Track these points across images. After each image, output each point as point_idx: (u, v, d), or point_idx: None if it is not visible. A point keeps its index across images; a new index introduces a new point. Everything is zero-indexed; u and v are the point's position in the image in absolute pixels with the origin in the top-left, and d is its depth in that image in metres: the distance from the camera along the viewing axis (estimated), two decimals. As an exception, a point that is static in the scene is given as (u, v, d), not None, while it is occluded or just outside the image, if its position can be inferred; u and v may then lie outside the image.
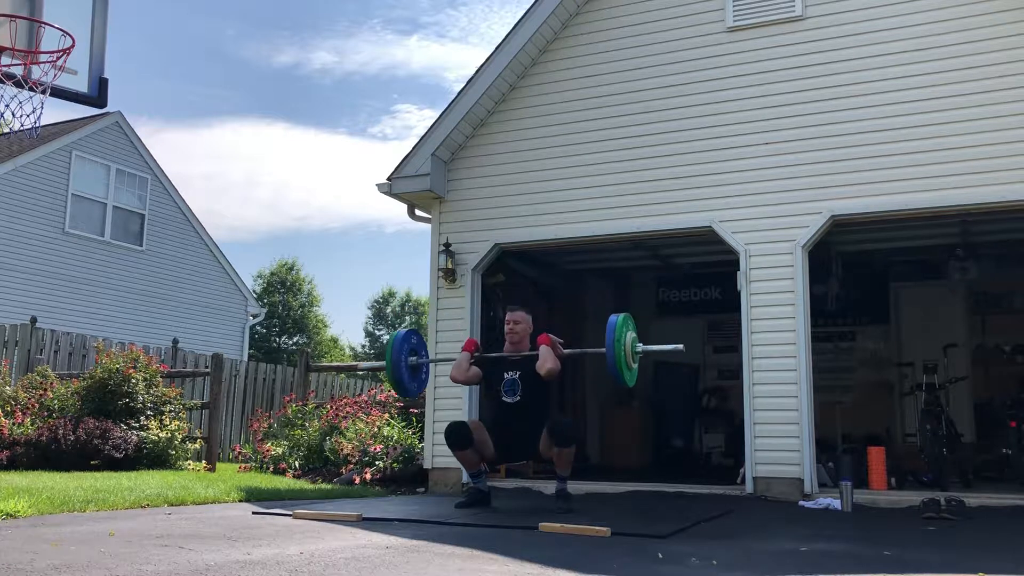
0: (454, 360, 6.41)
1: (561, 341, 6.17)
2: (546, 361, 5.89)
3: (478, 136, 8.86)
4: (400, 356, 6.32)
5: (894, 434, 10.68)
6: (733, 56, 7.94)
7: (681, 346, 6.27)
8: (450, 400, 8.42)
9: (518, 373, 6.10)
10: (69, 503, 5.59)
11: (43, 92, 4.93)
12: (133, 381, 9.87)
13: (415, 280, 65.53)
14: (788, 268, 7.49)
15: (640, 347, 6.04)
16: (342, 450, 9.21)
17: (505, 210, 8.64)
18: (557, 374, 5.97)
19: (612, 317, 5.88)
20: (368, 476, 8.60)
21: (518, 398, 6.08)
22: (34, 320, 12.43)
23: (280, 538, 4.43)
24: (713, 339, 12.27)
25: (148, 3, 57.42)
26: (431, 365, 8.62)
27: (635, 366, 6.05)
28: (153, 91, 66.23)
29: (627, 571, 3.69)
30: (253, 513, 5.69)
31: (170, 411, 10.14)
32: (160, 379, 10.35)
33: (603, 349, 5.81)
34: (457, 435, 6.02)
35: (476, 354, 6.33)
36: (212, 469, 9.77)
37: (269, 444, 10.18)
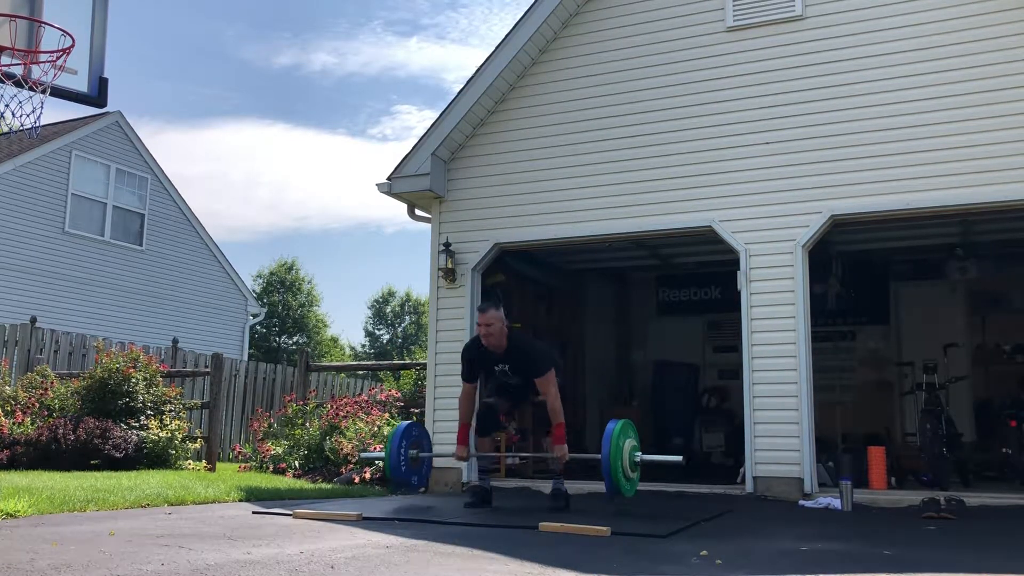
0: (451, 453, 6.58)
1: (563, 456, 6.14)
2: (562, 458, 6.11)
3: (478, 136, 8.86)
4: (399, 449, 6.40)
5: (894, 434, 10.67)
6: (733, 56, 7.94)
7: (680, 458, 6.17)
8: (450, 400, 8.41)
9: (507, 365, 6.28)
10: (69, 503, 5.59)
11: (43, 92, 4.93)
12: (133, 381, 9.87)
13: (415, 280, 65.52)
14: (788, 268, 7.48)
15: (639, 456, 5.97)
16: (342, 450, 9.21)
17: (505, 210, 8.64)
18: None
19: (609, 425, 5.86)
20: (368, 476, 8.60)
21: (514, 380, 6.31)
22: (34, 320, 12.43)
23: (280, 538, 4.43)
24: (713, 339, 12.27)
25: (149, 4, 57.45)
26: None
27: (635, 476, 5.97)
28: (154, 92, 66.29)
29: (627, 570, 3.69)
30: (253, 513, 5.69)
31: (170, 411, 10.14)
32: (160, 379, 10.35)
33: (599, 456, 5.75)
34: (488, 418, 6.39)
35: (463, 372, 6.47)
36: (212, 469, 9.76)
37: (269, 444, 10.18)
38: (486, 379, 6.54)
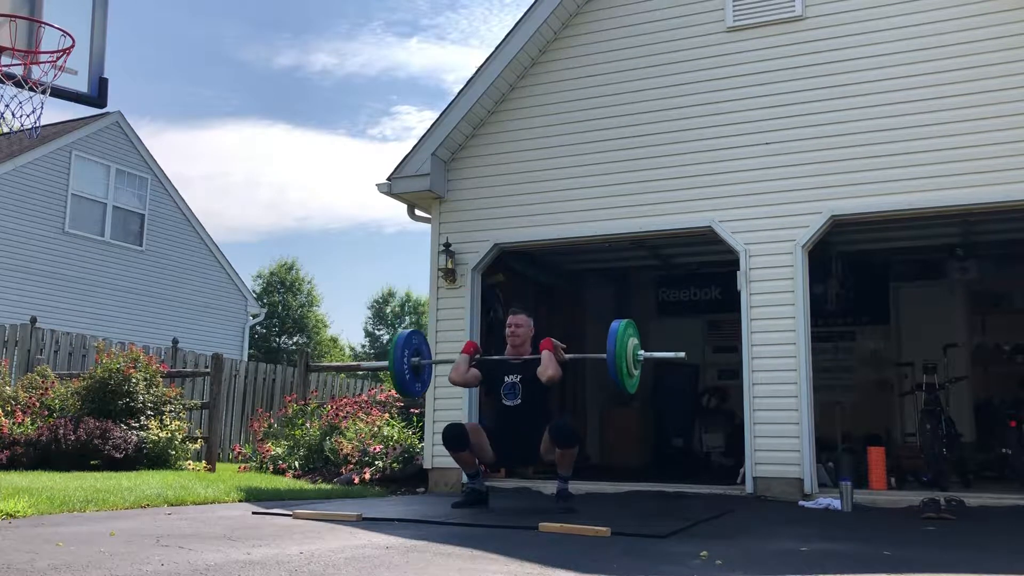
0: (455, 361, 6.41)
1: (563, 346, 6.14)
2: (547, 368, 5.87)
3: (478, 136, 8.86)
4: (402, 357, 6.30)
5: (894, 434, 10.68)
6: (733, 56, 7.94)
7: (683, 354, 6.22)
8: (450, 400, 8.42)
9: (519, 377, 6.07)
10: (69, 503, 5.59)
11: (43, 92, 4.93)
12: (133, 381, 9.86)
13: (415, 280, 65.50)
14: (788, 268, 7.48)
15: (642, 354, 5.98)
16: (342, 450, 9.21)
17: (505, 210, 8.64)
18: (558, 380, 5.95)
19: (614, 323, 5.83)
20: (368, 476, 8.60)
21: (519, 402, 6.04)
22: (34, 320, 12.43)
23: (280, 538, 4.43)
24: (713, 339, 12.27)
25: (149, 5, 57.45)
26: (433, 365, 8.64)
27: (637, 373, 5.99)
28: (154, 93, 66.27)
29: (627, 571, 3.69)
30: (253, 513, 5.68)
31: (170, 411, 10.13)
32: (160, 379, 10.35)
33: (604, 355, 5.75)
34: (453, 437, 5.98)
35: (476, 357, 6.31)
36: (212, 469, 9.76)
37: (269, 444, 10.17)
38: (488, 391, 6.38)
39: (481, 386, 6.52)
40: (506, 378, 6.11)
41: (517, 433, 6.05)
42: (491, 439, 6.13)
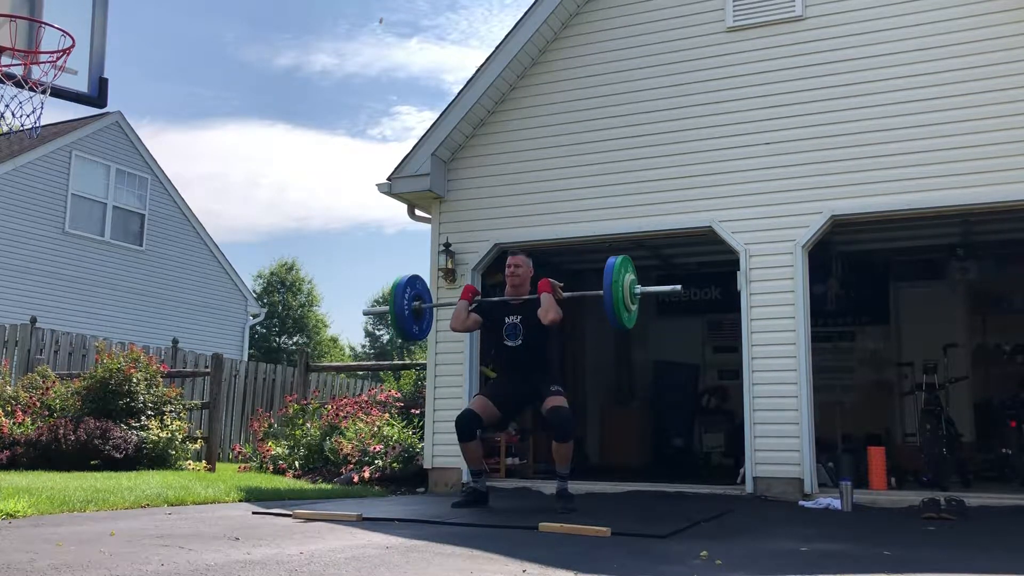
0: (455, 306, 6.46)
1: (561, 285, 6.21)
2: (548, 312, 5.95)
3: (478, 136, 8.86)
4: (404, 298, 6.43)
5: (894, 434, 10.67)
6: (733, 56, 7.94)
7: (679, 287, 6.40)
8: (450, 400, 8.42)
9: (519, 318, 6.18)
10: (69, 503, 5.59)
11: (43, 92, 4.93)
12: (134, 381, 9.87)
13: (415, 280, 65.25)
14: (788, 268, 7.48)
15: (639, 289, 6.09)
16: (342, 450, 9.21)
17: (505, 210, 8.64)
18: (560, 321, 6.02)
19: (610, 259, 5.94)
20: (368, 476, 8.60)
21: (520, 342, 6.15)
22: (34, 320, 12.43)
23: (280, 538, 4.43)
24: (713, 339, 12.26)
25: (149, 5, 57.44)
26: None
27: (634, 308, 6.09)
28: (154, 93, 66.26)
29: (627, 571, 3.69)
30: (253, 513, 5.69)
31: (171, 411, 10.14)
32: (160, 379, 10.35)
33: (601, 292, 5.85)
34: (466, 423, 6.05)
35: (476, 300, 6.41)
36: (212, 469, 9.77)
37: (269, 444, 10.18)
38: (489, 334, 6.40)
39: (481, 329, 6.59)
40: (507, 319, 6.21)
41: (520, 372, 6.17)
42: (494, 393, 6.23)
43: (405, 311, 6.46)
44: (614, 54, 8.40)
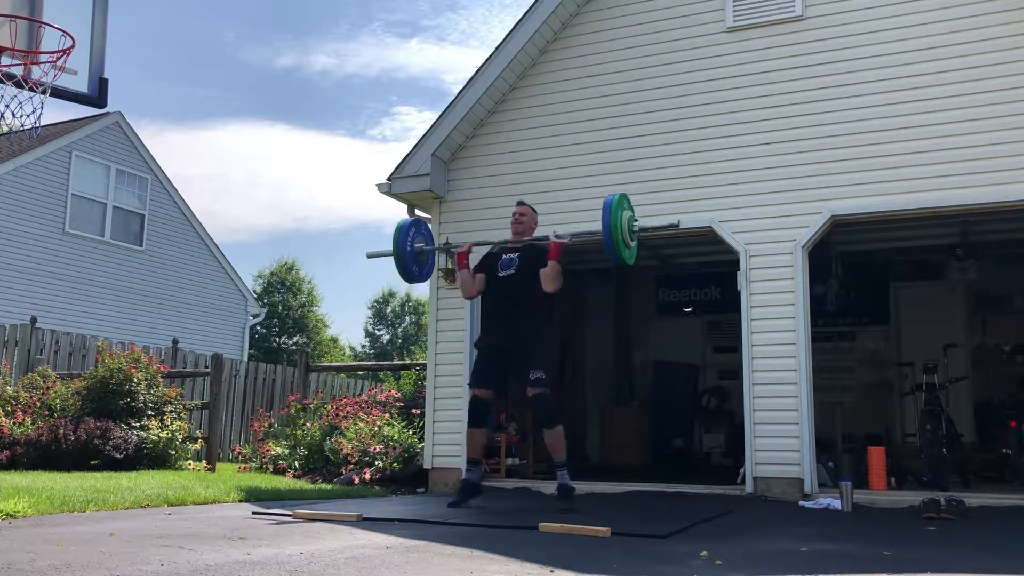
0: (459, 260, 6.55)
1: (567, 239, 6.24)
2: (552, 279, 6.03)
3: (478, 136, 8.86)
4: (406, 238, 6.53)
5: (894, 434, 10.68)
6: (733, 56, 7.94)
7: (678, 220, 6.55)
8: (450, 400, 8.42)
9: (517, 254, 6.32)
10: (69, 503, 5.59)
11: (43, 92, 4.93)
12: (135, 381, 9.87)
13: (415, 280, 65.26)
14: (788, 268, 7.48)
15: (637, 225, 6.16)
16: (342, 450, 9.21)
17: (505, 210, 8.57)
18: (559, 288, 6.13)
19: (608, 197, 6.01)
20: (368, 476, 8.60)
21: (513, 271, 6.25)
22: (34, 320, 12.43)
23: (280, 538, 4.43)
24: (713, 339, 12.26)
25: (149, 5, 57.46)
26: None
27: (633, 244, 6.16)
28: (154, 93, 66.32)
29: (627, 571, 3.69)
30: (253, 513, 5.68)
31: (171, 411, 10.14)
32: (161, 379, 10.35)
33: (599, 230, 5.92)
34: (479, 407, 6.16)
35: (472, 259, 6.50)
36: (212, 469, 9.76)
37: (269, 444, 10.18)
38: (487, 291, 6.46)
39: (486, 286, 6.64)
40: (504, 256, 6.36)
41: (509, 298, 6.22)
42: (478, 361, 6.32)
43: (407, 248, 6.56)
44: (614, 54, 8.40)
